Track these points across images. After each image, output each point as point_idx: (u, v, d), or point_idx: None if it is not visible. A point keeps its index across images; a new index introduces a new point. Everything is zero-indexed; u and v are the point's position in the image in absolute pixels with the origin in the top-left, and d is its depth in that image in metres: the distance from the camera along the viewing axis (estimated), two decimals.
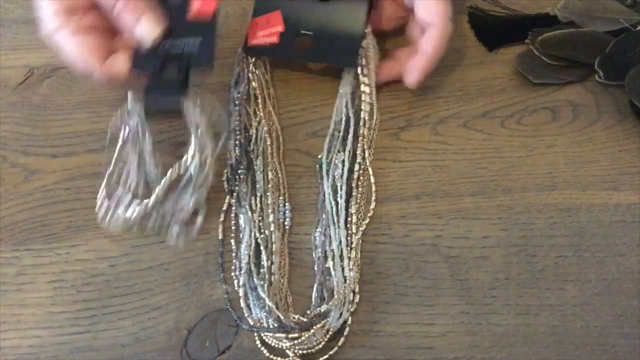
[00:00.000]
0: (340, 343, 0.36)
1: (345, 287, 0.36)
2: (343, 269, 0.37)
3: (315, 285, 0.37)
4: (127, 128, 0.38)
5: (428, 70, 0.42)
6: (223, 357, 0.36)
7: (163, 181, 0.37)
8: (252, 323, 0.36)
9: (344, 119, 0.42)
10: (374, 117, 0.43)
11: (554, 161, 0.42)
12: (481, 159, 0.43)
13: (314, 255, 0.38)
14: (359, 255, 0.38)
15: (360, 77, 0.43)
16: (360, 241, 0.39)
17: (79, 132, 0.44)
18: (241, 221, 0.39)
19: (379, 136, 0.43)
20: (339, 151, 0.41)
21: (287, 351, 0.35)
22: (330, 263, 0.37)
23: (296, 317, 0.36)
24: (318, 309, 0.36)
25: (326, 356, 0.36)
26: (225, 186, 0.41)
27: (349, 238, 0.38)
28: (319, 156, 0.41)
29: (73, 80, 0.46)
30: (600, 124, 0.44)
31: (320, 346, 0.35)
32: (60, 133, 0.44)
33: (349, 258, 0.38)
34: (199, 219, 0.38)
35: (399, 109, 0.45)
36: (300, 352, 0.35)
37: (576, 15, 0.49)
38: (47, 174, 0.42)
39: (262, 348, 0.36)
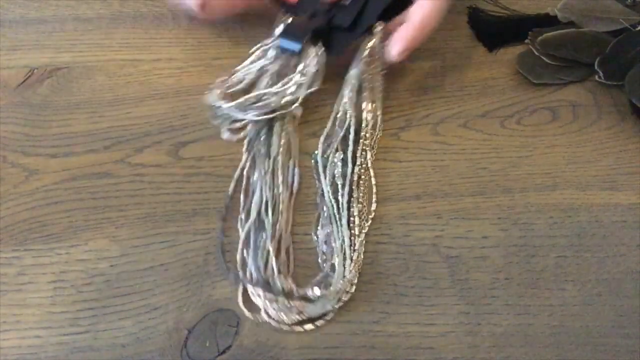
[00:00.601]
0: (307, 328, 0.36)
1: (341, 283, 0.36)
2: (344, 268, 0.37)
3: (317, 278, 0.38)
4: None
5: (413, 43, 0.41)
6: (223, 357, 0.36)
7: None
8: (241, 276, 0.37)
9: (347, 118, 0.42)
10: (378, 118, 0.43)
11: (554, 161, 0.42)
12: (481, 159, 0.43)
13: (317, 250, 0.38)
14: (362, 257, 0.38)
15: (364, 74, 0.43)
16: (364, 242, 0.39)
17: (79, 132, 0.44)
18: (253, 179, 0.41)
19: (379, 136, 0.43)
20: (337, 150, 0.41)
21: (261, 309, 0.36)
22: (335, 259, 0.38)
23: (289, 281, 0.37)
24: (309, 290, 0.36)
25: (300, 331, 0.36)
26: (245, 147, 0.42)
27: (352, 238, 0.39)
28: (315, 152, 0.42)
29: (73, 80, 0.46)
30: (600, 124, 0.44)
31: (287, 323, 0.36)
32: (60, 133, 0.44)
33: (351, 259, 0.38)
34: None
35: (399, 109, 0.45)
36: (272, 313, 0.36)
37: (576, 15, 0.49)
38: (47, 174, 0.42)
39: (240, 301, 0.37)
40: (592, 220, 0.40)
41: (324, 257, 0.38)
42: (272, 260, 0.37)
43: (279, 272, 0.37)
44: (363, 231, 0.39)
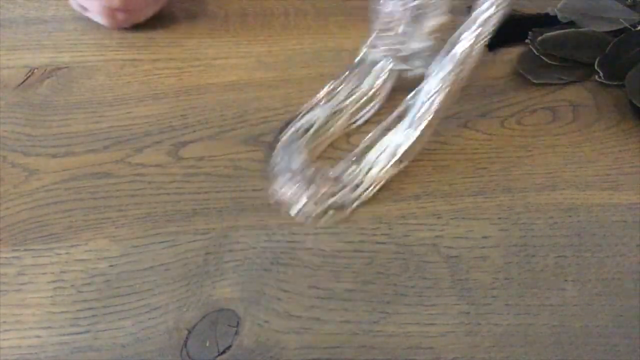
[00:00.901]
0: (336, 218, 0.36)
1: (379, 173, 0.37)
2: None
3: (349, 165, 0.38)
4: None
5: None
6: (223, 357, 0.36)
7: None
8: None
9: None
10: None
11: (554, 161, 0.42)
12: (481, 159, 0.43)
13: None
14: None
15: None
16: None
17: (79, 132, 0.44)
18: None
19: None
20: None
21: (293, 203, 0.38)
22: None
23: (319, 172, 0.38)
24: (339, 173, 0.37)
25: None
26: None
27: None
28: None
29: (73, 80, 0.46)
30: (600, 124, 0.44)
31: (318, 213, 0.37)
32: (60, 133, 0.44)
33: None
34: None
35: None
36: (303, 204, 0.37)
37: (576, 15, 0.49)
38: (47, 174, 0.42)
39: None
40: (592, 220, 0.40)
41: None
42: (305, 158, 0.37)
43: (311, 166, 0.37)
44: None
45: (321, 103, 0.43)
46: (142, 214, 0.40)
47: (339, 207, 0.36)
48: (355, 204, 0.36)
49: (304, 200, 0.36)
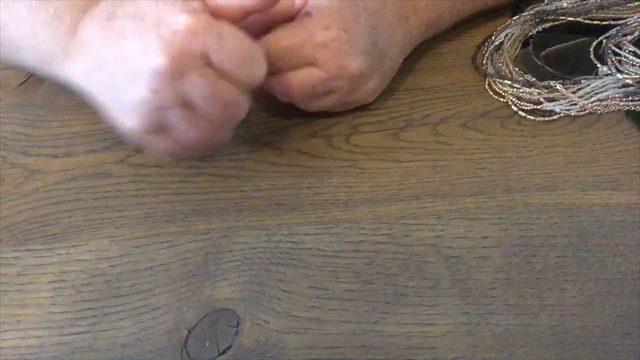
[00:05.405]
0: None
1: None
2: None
3: None
4: None
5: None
6: (223, 357, 0.36)
7: None
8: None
9: None
10: None
11: (554, 161, 0.42)
12: (481, 159, 0.43)
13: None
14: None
15: None
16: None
17: (79, 132, 0.44)
18: None
19: (379, 136, 0.43)
20: None
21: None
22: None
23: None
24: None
25: None
26: None
27: None
28: None
29: None
30: (600, 124, 0.44)
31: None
32: (61, 133, 0.44)
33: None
34: None
35: (399, 109, 0.45)
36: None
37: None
38: (47, 174, 0.42)
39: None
40: (592, 220, 0.40)
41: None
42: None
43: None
44: None
45: None
46: (142, 214, 0.40)
47: None
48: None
49: None
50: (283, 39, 0.41)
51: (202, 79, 0.35)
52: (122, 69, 0.35)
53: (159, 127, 0.36)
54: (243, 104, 0.38)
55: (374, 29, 0.42)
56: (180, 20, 0.34)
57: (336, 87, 0.42)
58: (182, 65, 0.34)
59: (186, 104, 0.36)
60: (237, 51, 0.36)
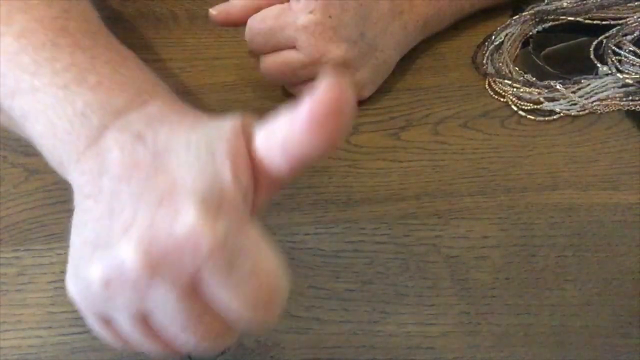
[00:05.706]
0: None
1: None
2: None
3: None
4: None
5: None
6: (223, 356, 0.36)
7: None
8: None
9: None
10: None
11: (554, 161, 0.42)
12: (481, 159, 0.43)
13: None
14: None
15: None
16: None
17: None
18: None
19: (379, 136, 0.43)
20: None
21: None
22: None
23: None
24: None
25: None
26: None
27: None
28: None
29: None
30: (600, 124, 0.44)
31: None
32: None
33: None
34: None
35: (399, 109, 0.45)
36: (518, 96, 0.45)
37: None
38: (47, 174, 0.42)
39: None
40: (592, 220, 0.40)
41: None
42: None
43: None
44: None
45: None
46: None
47: None
48: None
49: None
50: (268, 19, 0.42)
51: (177, 304, 0.24)
52: (102, 227, 0.26)
53: (104, 317, 0.28)
54: (231, 336, 0.26)
55: (364, 19, 0.42)
56: (186, 219, 0.23)
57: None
58: (155, 274, 0.23)
59: (141, 317, 0.26)
60: (251, 293, 0.24)
